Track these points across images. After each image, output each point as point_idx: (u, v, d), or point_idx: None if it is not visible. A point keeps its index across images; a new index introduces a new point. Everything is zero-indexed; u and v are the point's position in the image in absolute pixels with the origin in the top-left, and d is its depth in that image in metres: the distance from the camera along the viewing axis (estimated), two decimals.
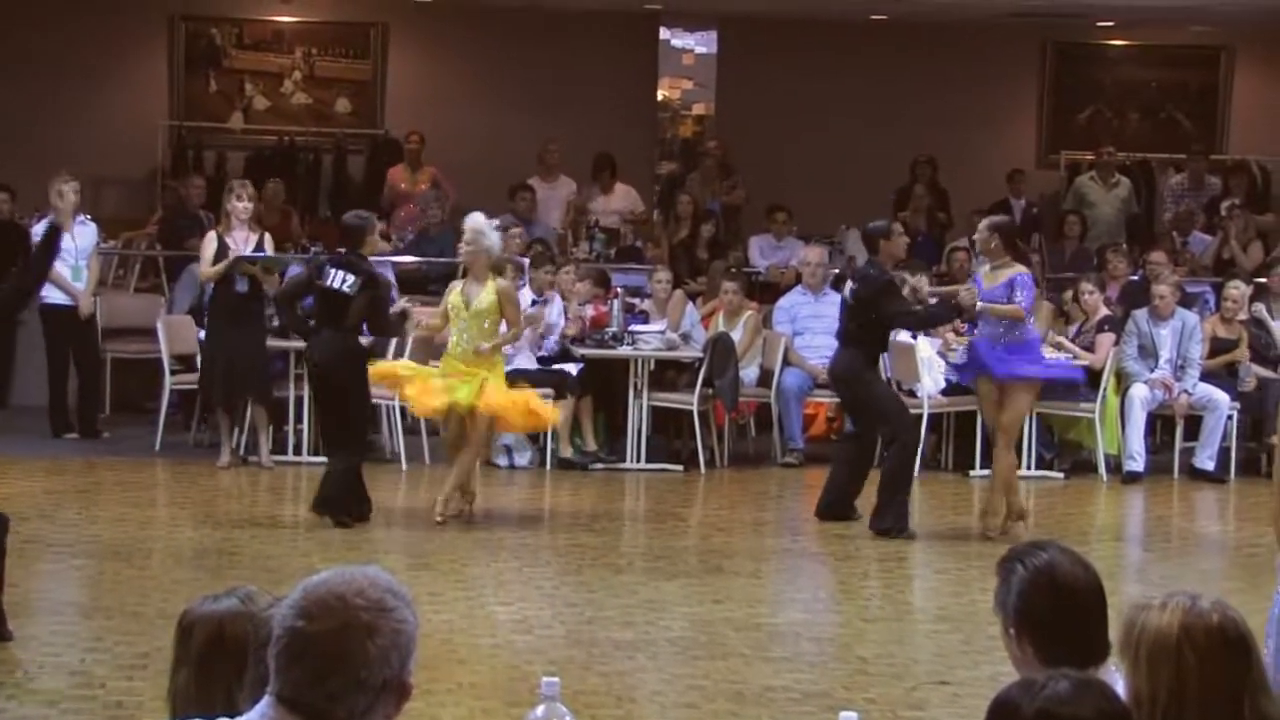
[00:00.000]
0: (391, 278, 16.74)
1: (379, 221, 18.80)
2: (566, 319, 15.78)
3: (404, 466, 14.88)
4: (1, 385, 17.29)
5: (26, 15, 19.94)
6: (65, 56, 20.11)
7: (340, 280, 12.37)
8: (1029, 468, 15.33)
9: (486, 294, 12.60)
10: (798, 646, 9.76)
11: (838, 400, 14.53)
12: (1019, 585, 4.34)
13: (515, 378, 15.14)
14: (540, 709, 4.04)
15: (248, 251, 14.82)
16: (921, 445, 15.22)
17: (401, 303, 13.51)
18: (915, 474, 13.51)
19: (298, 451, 14.92)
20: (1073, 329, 16.05)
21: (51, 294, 16.00)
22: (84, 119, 20.14)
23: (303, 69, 21.15)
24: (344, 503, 12.33)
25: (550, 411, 13.37)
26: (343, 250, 12.82)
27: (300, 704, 3.16)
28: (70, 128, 19.83)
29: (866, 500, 13.01)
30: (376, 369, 12.94)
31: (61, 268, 15.95)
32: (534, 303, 15.71)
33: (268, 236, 15.30)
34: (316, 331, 12.63)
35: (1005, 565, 4.43)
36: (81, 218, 16.22)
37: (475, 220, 12.86)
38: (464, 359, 12.62)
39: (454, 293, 12.80)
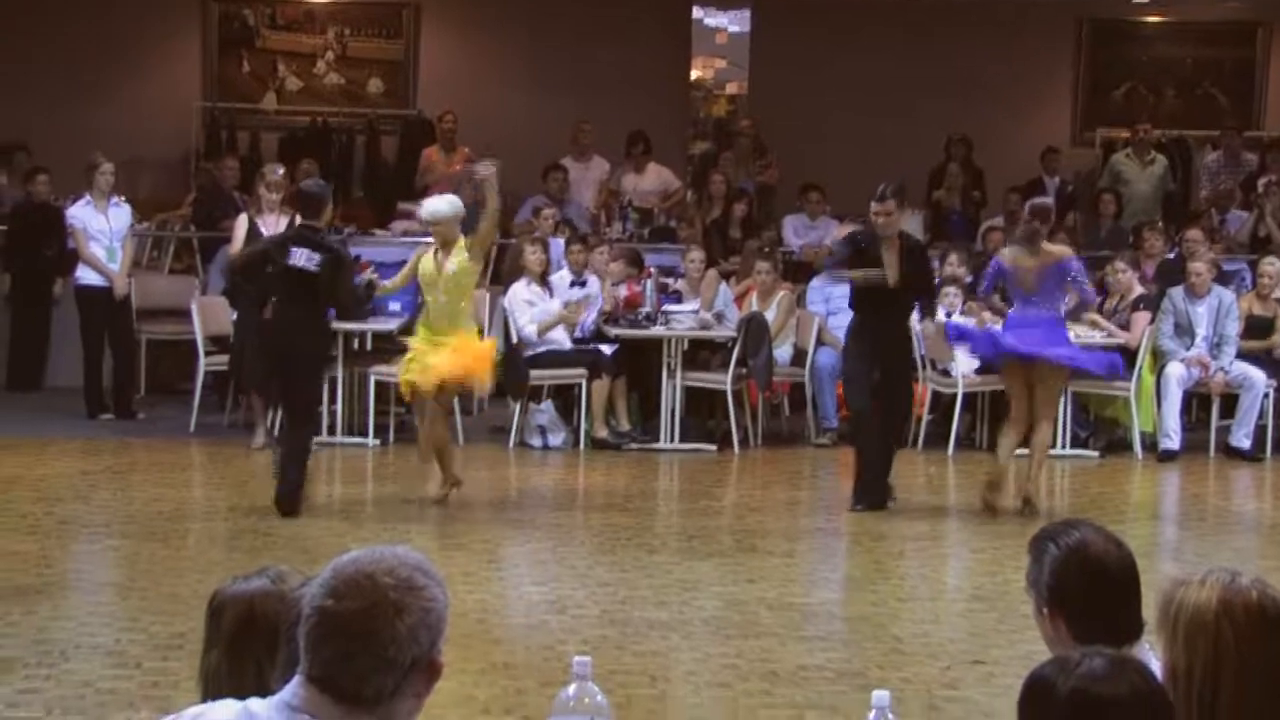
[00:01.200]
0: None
1: (412, 204, 19.00)
2: (602, 298, 15.77)
3: None
4: (37, 367, 17.38)
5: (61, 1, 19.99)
6: (100, 39, 20.15)
7: (305, 259, 12.11)
8: (1064, 447, 15.30)
9: (456, 258, 12.46)
10: (831, 626, 9.75)
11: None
12: (1052, 564, 4.33)
13: (550, 358, 15.18)
14: (572, 688, 4.04)
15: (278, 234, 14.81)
16: (956, 423, 15.24)
17: (367, 274, 13.43)
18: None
19: (331, 432, 14.94)
20: (1109, 307, 15.99)
21: (86, 275, 16.09)
22: (118, 101, 20.19)
23: (335, 49, 21.15)
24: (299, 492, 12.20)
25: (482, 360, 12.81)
26: (302, 223, 12.50)
27: (330, 683, 3.16)
28: (105, 110, 19.88)
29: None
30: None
31: (96, 249, 16.02)
32: (572, 284, 15.70)
33: (299, 220, 15.27)
34: (281, 310, 12.41)
35: (1037, 544, 4.41)
36: (116, 199, 16.27)
37: (431, 206, 12.72)
38: (436, 327, 12.53)
39: (425, 260, 12.61)
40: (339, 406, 15.01)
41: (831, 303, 16.18)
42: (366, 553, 3.22)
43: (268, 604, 3.98)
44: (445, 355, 12.36)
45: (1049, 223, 13.36)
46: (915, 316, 13.70)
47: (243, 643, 3.98)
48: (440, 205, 12.63)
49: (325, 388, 14.84)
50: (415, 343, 12.68)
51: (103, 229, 16.08)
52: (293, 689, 3.21)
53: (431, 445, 12.67)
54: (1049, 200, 14.70)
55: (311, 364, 12.41)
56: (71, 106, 19.74)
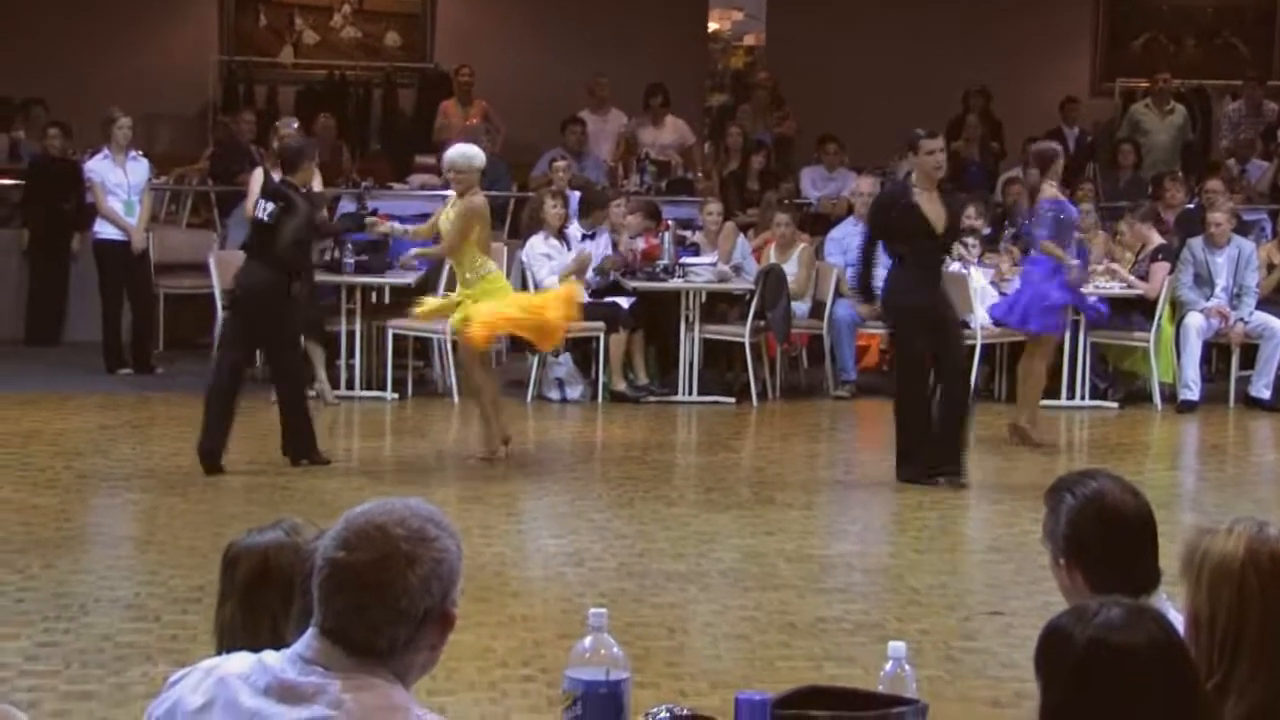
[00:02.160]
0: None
1: (429, 156, 18.99)
2: (617, 252, 15.71)
3: (455, 400, 14.88)
4: (55, 322, 17.40)
5: None
6: None
7: (263, 209, 12.17)
8: (1083, 398, 15.28)
9: (451, 210, 12.37)
10: (850, 578, 9.75)
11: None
12: (1068, 514, 4.32)
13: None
14: (588, 640, 4.04)
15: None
16: (975, 375, 15.21)
17: (380, 226, 13.39)
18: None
19: (350, 386, 14.95)
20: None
21: (104, 229, 16.11)
22: (136, 55, 20.17)
23: (352, 2, 21.10)
24: (309, 441, 12.22)
25: (559, 309, 12.65)
26: (281, 178, 12.43)
27: (342, 635, 3.16)
28: (122, 64, 19.86)
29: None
30: (426, 308, 12.87)
31: (114, 203, 16.04)
32: (583, 237, 15.69)
33: (315, 173, 15.28)
34: (245, 261, 12.39)
35: (1054, 494, 4.40)
36: (134, 153, 16.28)
37: (465, 150, 12.59)
38: (460, 278, 12.51)
39: (443, 214, 12.53)
40: (357, 360, 15.01)
41: (850, 254, 16.13)
42: (378, 505, 3.22)
43: (282, 556, 3.98)
44: (494, 309, 12.28)
45: (1051, 165, 13.28)
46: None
47: (257, 595, 3.98)
48: (455, 154, 12.51)
49: (341, 341, 14.88)
50: (455, 296, 12.64)
51: (120, 183, 16.08)
52: (306, 641, 3.21)
53: (472, 397, 12.68)
54: (1051, 144, 14.56)
55: (262, 317, 12.18)
56: (89, 61, 19.73)
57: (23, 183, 17.74)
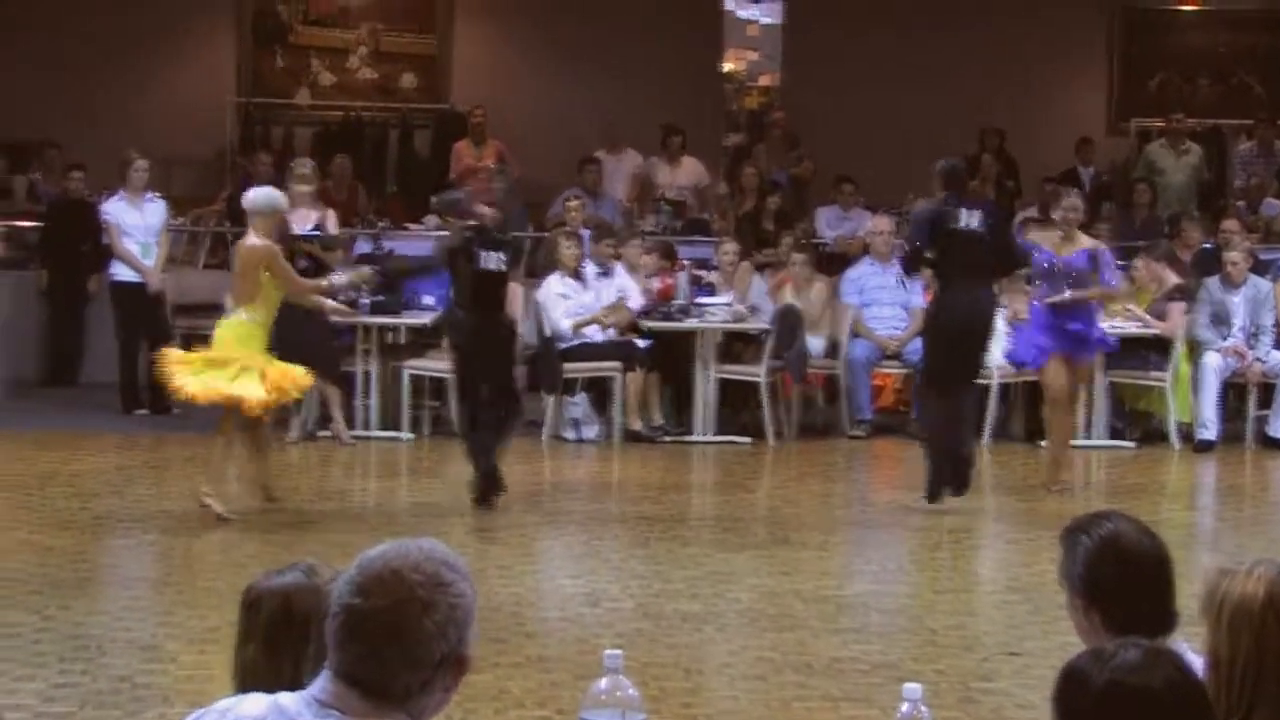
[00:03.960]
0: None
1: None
2: (637, 293, 15.73)
3: None
4: (73, 362, 17.44)
5: None
6: (134, 35, 20.20)
7: (496, 261, 12.22)
8: (1100, 438, 15.26)
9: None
10: (866, 618, 9.72)
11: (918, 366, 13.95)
12: (1084, 556, 4.31)
13: (584, 351, 15.17)
14: (604, 681, 4.03)
15: (307, 230, 14.85)
16: (992, 414, 15.21)
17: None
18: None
19: (366, 426, 14.97)
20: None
21: (120, 271, 16.14)
22: (153, 97, 20.25)
23: (369, 44, 21.18)
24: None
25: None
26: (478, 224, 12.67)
27: (358, 679, 3.15)
28: (140, 106, 19.94)
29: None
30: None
31: (130, 245, 16.08)
32: (599, 275, 15.65)
33: (330, 214, 15.34)
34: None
35: (1070, 536, 4.39)
36: (150, 195, 16.32)
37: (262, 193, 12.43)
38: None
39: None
40: (373, 400, 15.03)
41: (866, 294, 16.16)
42: (393, 547, 3.21)
43: (303, 597, 3.98)
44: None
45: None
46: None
47: (279, 636, 3.98)
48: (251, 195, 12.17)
49: (358, 381, 14.90)
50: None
51: (137, 225, 16.13)
52: (321, 684, 3.20)
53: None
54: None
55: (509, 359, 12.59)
56: (106, 103, 19.80)
57: (41, 224, 17.79)
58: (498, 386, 12.32)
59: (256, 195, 12.10)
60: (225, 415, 11.79)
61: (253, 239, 11.86)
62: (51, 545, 10.83)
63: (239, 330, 11.76)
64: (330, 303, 12.98)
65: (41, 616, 9.14)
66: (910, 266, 13.54)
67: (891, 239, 16.43)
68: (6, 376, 16.74)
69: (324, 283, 12.78)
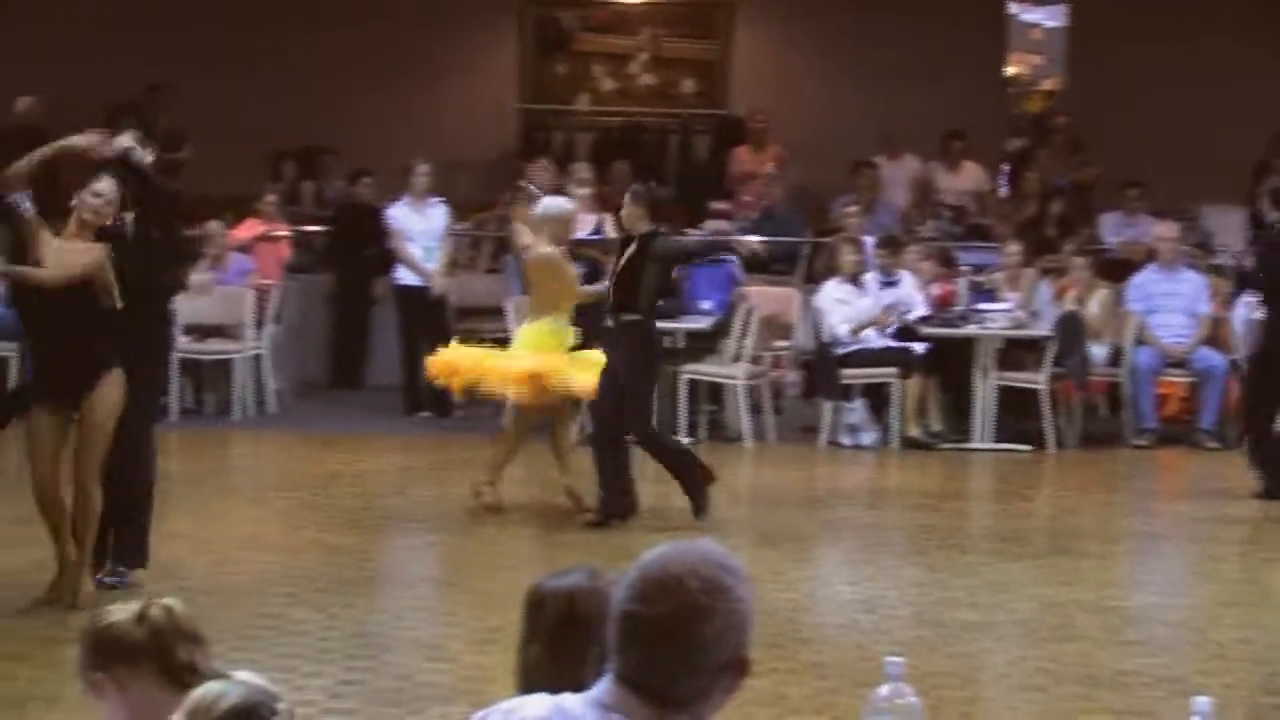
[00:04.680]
0: (734, 258, 16.77)
1: (723, 201, 19.08)
2: (917, 298, 15.63)
3: (749, 444, 14.90)
4: (358, 365, 17.77)
5: (382, 6, 20.40)
6: (419, 44, 20.51)
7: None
8: None
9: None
10: (1150, 630, 9.55)
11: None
12: None
13: (862, 357, 15.09)
14: (885, 689, 4.00)
15: (586, 234, 14.97)
16: None
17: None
18: None
19: None
20: None
21: (404, 275, 16.42)
22: (438, 104, 20.55)
23: (649, 50, 21.28)
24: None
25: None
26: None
27: (639, 684, 3.15)
28: (425, 113, 20.24)
29: None
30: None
31: (414, 249, 16.34)
32: (884, 285, 15.56)
33: (609, 218, 15.43)
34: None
35: None
36: (433, 200, 16.58)
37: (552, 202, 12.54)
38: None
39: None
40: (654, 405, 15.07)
41: (1152, 301, 15.88)
42: (671, 552, 3.19)
43: (587, 599, 4.01)
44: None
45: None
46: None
47: (563, 637, 4.01)
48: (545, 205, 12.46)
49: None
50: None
51: (420, 229, 16.40)
52: (604, 687, 3.21)
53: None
54: None
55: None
56: (391, 109, 20.13)
57: (328, 229, 18.16)
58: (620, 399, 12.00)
59: (547, 202, 12.33)
60: (516, 415, 12.11)
61: (542, 247, 12.04)
62: (337, 544, 11.04)
63: (541, 335, 12.01)
64: None
65: (327, 614, 9.32)
66: (1251, 285, 13.46)
67: (1178, 245, 16.13)
68: (294, 379, 17.11)
69: (602, 289, 12.86)
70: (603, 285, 12.18)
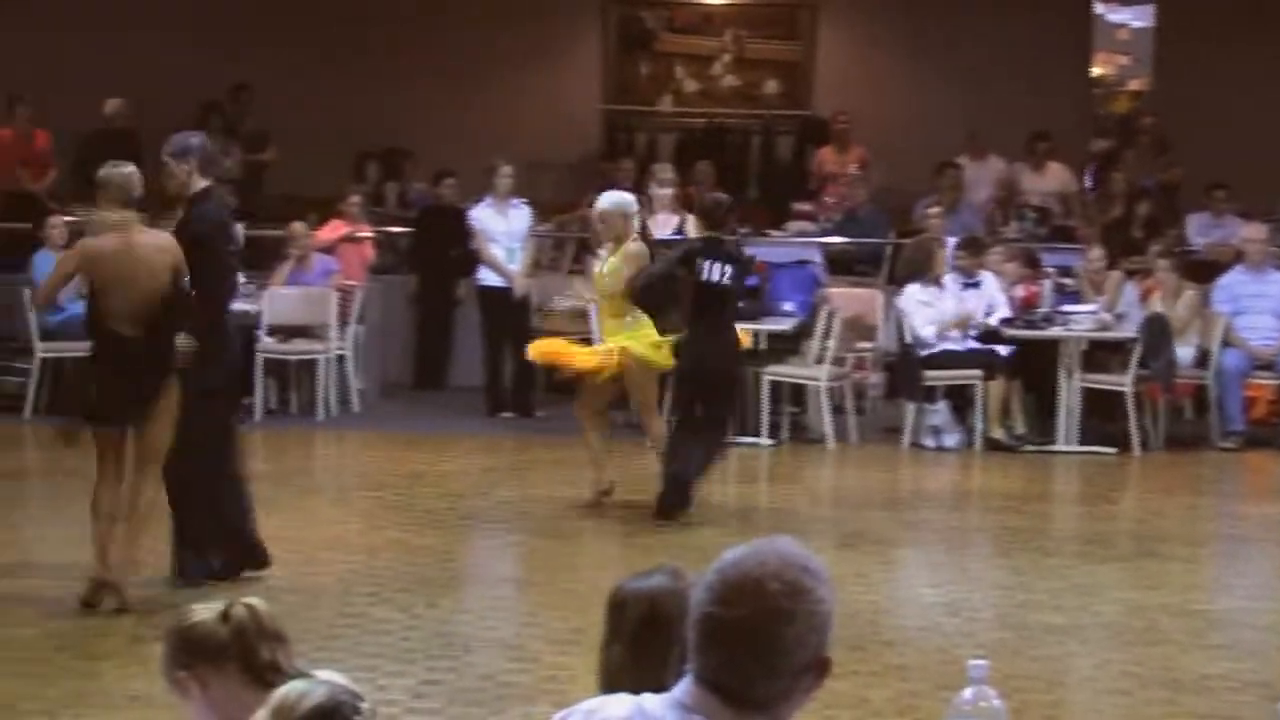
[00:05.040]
0: (818, 259, 16.80)
1: (806, 203, 19.05)
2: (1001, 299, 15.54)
3: (831, 446, 14.86)
4: (441, 366, 17.82)
5: (466, 7, 20.46)
6: (503, 45, 20.57)
7: (719, 272, 11.88)
8: None
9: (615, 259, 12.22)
10: (1237, 634, 9.48)
11: None
12: None
13: (945, 359, 15.02)
14: (969, 692, 3.97)
15: (668, 234, 14.98)
16: None
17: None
18: None
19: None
20: None
21: (487, 276, 16.45)
22: (521, 105, 20.58)
23: (732, 51, 21.27)
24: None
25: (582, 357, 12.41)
26: (709, 234, 12.34)
27: (720, 686, 3.14)
28: (508, 114, 20.28)
29: None
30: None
31: (496, 250, 16.37)
32: (965, 286, 15.49)
33: (691, 219, 15.42)
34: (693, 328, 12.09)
35: None
36: (516, 201, 16.60)
37: (614, 198, 12.51)
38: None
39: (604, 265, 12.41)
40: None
41: (1239, 303, 15.76)
42: (751, 552, 3.17)
43: (668, 600, 4.01)
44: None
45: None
46: None
47: (645, 638, 4.02)
48: (606, 202, 12.47)
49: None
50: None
51: (502, 230, 16.42)
52: (684, 688, 3.20)
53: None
54: None
55: (728, 380, 12.31)
56: (477, 112, 20.19)
57: (411, 230, 18.22)
58: (711, 412, 12.08)
59: (604, 197, 12.37)
60: (580, 402, 12.30)
61: (636, 239, 12.20)
62: (420, 544, 11.08)
63: (624, 331, 12.09)
64: None
65: (410, 614, 9.35)
66: None
67: (1266, 247, 16.00)
68: (377, 379, 17.18)
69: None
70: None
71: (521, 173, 16.98)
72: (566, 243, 19.00)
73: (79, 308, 11.27)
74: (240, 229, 9.95)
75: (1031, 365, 15.28)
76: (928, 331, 15.12)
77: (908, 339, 15.18)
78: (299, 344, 16.18)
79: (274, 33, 20.16)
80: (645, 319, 12.01)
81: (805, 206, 19.20)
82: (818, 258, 17.26)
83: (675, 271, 12.01)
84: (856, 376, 15.84)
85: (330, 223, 17.33)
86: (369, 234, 17.60)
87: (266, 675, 3.84)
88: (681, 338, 11.94)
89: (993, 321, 15.34)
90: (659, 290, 11.98)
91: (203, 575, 9.72)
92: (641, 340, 11.95)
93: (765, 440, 15.00)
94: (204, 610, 4.01)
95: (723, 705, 3.14)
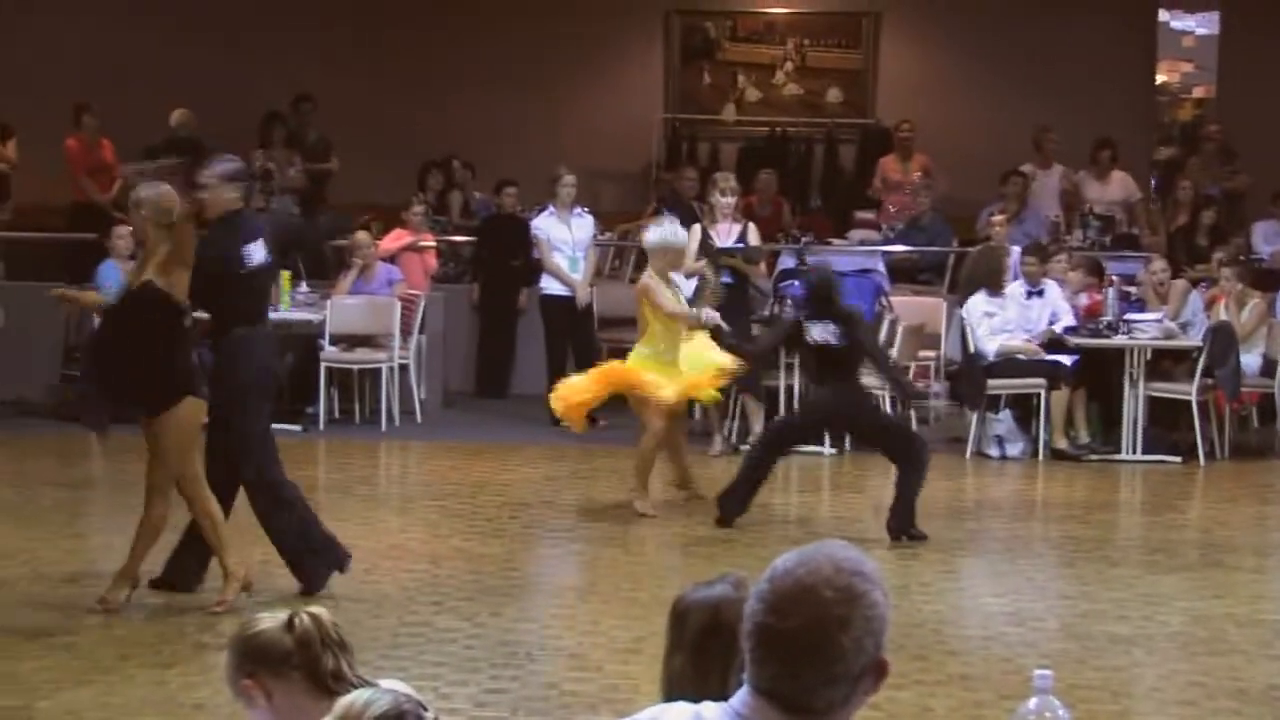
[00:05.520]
0: (881, 268, 16.78)
1: (869, 211, 19.03)
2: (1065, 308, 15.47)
3: None
4: (504, 375, 17.84)
5: (528, 18, 20.51)
6: (566, 54, 20.62)
7: (825, 331, 11.86)
8: None
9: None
10: None
11: None
12: None
13: (1009, 368, 14.95)
14: (1033, 702, 3.95)
15: (729, 243, 14.98)
16: None
17: None
18: None
19: None
20: None
21: (549, 285, 16.48)
22: (583, 115, 20.63)
23: (794, 60, 21.26)
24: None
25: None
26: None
27: (777, 695, 3.13)
28: (571, 123, 20.34)
29: None
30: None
31: (559, 259, 16.39)
32: (1029, 294, 15.40)
33: (752, 228, 15.41)
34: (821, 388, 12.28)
35: None
36: (578, 210, 16.62)
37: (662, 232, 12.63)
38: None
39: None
40: None
41: None
42: (803, 560, 3.14)
43: (731, 609, 4.00)
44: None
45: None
46: None
47: (707, 647, 4.01)
48: (651, 234, 12.67)
49: (780, 397, 14.93)
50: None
51: (565, 239, 16.44)
52: (742, 697, 3.19)
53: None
54: None
55: (870, 423, 12.32)
56: (539, 121, 20.24)
57: (474, 239, 18.26)
58: (885, 446, 12.11)
59: (649, 235, 12.61)
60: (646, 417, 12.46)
61: (644, 274, 12.49)
62: (483, 553, 11.10)
63: (639, 359, 12.55)
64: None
65: (473, 623, 9.37)
66: None
67: None
68: (440, 388, 17.21)
69: (692, 313, 12.85)
70: (692, 311, 12.70)
71: (584, 182, 17.02)
72: (628, 251, 19.01)
73: None
74: (259, 248, 9.82)
75: (1096, 374, 15.21)
76: (991, 345, 15.05)
77: (971, 348, 15.13)
78: (362, 353, 16.22)
79: (337, 44, 20.24)
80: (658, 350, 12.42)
81: (868, 215, 19.18)
82: (880, 266, 17.22)
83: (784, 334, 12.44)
84: (920, 385, 15.79)
85: (393, 232, 17.39)
86: (432, 243, 17.65)
87: (330, 684, 3.85)
88: (809, 393, 12.49)
89: (1057, 330, 15.27)
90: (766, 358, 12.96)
91: (324, 580, 9.79)
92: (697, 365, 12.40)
93: (828, 449, 14.97)
94: (268, 619, 4.02)
95: (782, 714, 3.12)
